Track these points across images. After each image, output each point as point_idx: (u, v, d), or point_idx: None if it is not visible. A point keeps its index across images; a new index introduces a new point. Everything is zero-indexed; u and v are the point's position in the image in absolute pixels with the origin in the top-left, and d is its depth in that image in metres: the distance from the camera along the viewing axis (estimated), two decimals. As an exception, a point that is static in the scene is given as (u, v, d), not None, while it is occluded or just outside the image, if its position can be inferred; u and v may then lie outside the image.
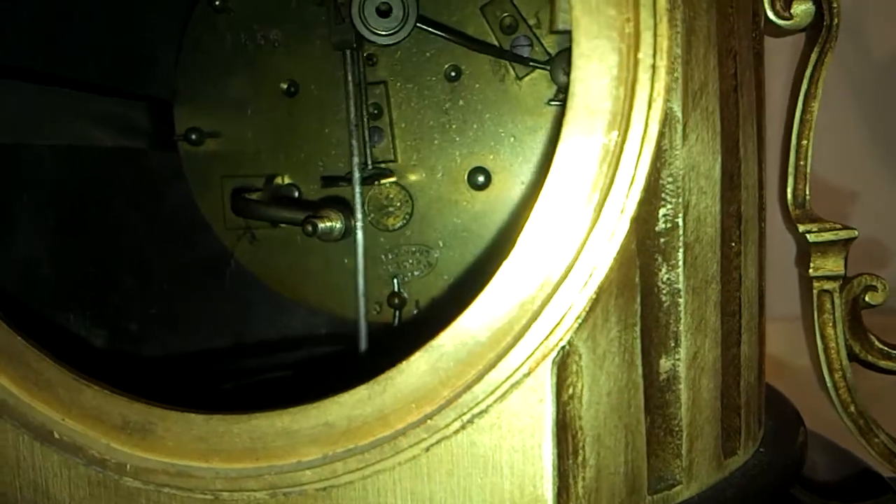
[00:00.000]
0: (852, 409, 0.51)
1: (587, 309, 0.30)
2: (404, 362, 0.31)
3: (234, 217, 0.59)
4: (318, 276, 0.61)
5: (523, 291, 0.30)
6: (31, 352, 0.34)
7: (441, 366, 0.31)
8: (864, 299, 0.51)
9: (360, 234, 0.49)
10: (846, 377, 0.51)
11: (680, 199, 0.34)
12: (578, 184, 0.29)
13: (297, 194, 0.60)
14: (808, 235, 0.50)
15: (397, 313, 0.60)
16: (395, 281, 0.60)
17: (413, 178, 0.59)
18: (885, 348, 0.51)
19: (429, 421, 0.31)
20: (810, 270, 0.50)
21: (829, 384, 0.51)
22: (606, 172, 0.29)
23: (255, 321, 0.69)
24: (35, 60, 0.51)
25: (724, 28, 0.37)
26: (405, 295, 0.60)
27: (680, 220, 0.34)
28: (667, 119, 0.31)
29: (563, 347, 0.31)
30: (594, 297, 0.30)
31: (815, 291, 0.50)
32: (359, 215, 0.50)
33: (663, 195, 0.34)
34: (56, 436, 0.34)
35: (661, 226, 0.34)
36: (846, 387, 0.51)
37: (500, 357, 0.30)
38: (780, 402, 0.51)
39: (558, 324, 0.30)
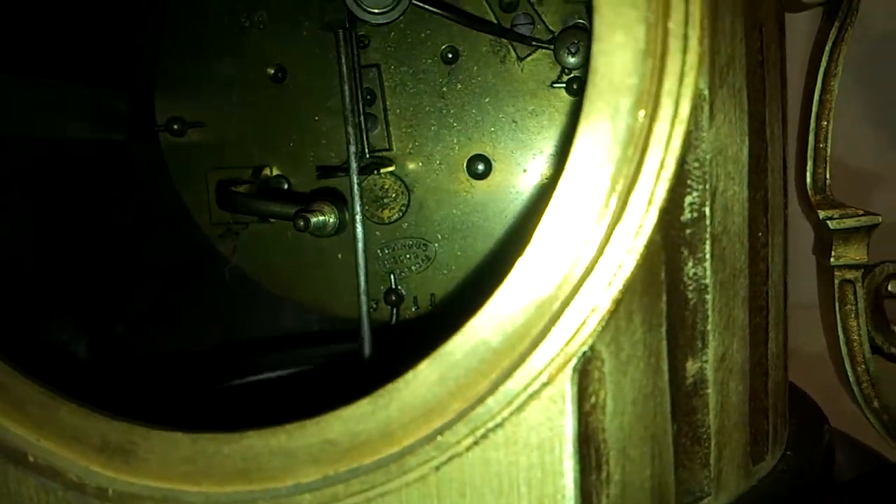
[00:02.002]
0: (876, 404, 0.49)
1: (611, 310, 0.27)
2: (410, 372, 0.28)
3: (221, 211, 0.56)
4: (312, 272, 0.58)
5: (540, 291, 0.27)
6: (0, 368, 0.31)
7: (451, 376, 0.28)
8: (886, 288, 0.48)
9: (359, 229, 0.46)
10: (869, 371, 0.49)
11: (707, 186, 0.31)
12: (601, 170, 0.26)
13: (286, 186, 0.57)
14: (829, 222, 0.47)
15: (395, 311, 0.57)
16: (392, 277, 0.57)
17: (409, 167, 0.56)
18: (910, 339, 0.48)
19: (438, 437, 0.28)
20: (832, 259, 0.48)
21: (851, 379, 0.49)
22: (633, 157, 0.26)
23: (246, 317, 0.66)
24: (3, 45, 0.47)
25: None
26: (403, 291, 0.57)
27: (707, 209, 0.31)
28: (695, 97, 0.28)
29: (584, 353, 0.28)
30: (618, 296, 0.27)
31: (836, 281, 0.48)
32: (357, 208, 0.46)
33: (689, 181, 0.31)
34: (31, 458, 0.31)
35: (686, 215, 0.31)
36: (869, 381, 0.49)
37: (515, 365, 0.28)
38: (800, 398, 0.49)
39: (580, 327, 0.27)
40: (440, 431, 0.28)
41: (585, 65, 0.33)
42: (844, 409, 0.50)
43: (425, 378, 0.28)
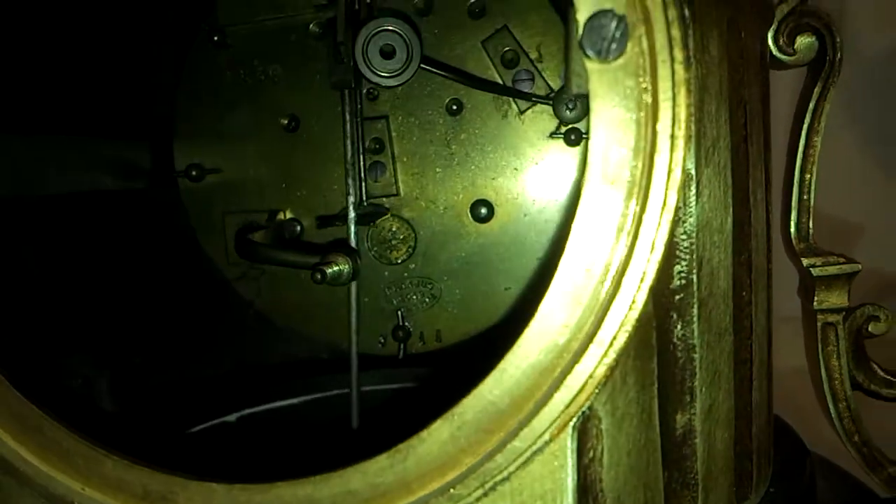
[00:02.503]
0: (856, 438, 0.52)
1: (607, 375, 0.30)
2: (425, 431, 0.31)
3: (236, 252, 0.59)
4: (323, 309, 0.61)
5: (544, 360, 0.30)
6: (48, 422, 0.34)
7: (462, 434, 0.31)
8: (866, 329, 0.51)
9: (353, 287, 0.49)
10: (850, 407, 0.51)
11: (694, 256, 0.34)
12: (597, 254, 0.29)
13: (299, 229, 0.60)
14: (812, 269, 0.50)
15: (402, 346, 0.61)
16: (399, 314, 0.60)
17: (416, 211, 0.59)
18: (888, 377, 0.51)
19: (451, 489, 0.31)
20: (815, 304, 0.50)
21: (833, 414, 0.52)
22: (626, 242, 0.29)
23: (258, 349, 0.69)
24: (30, 106, 0.50)
25: (734, 80, 0.37)
26: (410, 327, 0.61)
27: (694, 277, 0.34)
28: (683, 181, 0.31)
29: (583, 412, 0.31)
30: (613, 363, 0.30)
31: (819, 324, 0.51)
32: (355, 256, 0.49)
33: (678, 253, 0.34)
34: (76, 506, 0.34)
35: (675, 283, 0.34)
36: (850, 416, 0.52)
37: (521, 425, 0.31)
38: (786, 434, 0.52)
39: (579, 391, 0.30)
40: (453, 484, 0.31)
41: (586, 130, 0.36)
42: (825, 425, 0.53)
43: (439, 436, 0.31)
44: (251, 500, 0.33)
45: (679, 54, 0.29)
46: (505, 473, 0.31)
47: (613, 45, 0.28)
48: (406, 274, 0.60)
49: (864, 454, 0.51)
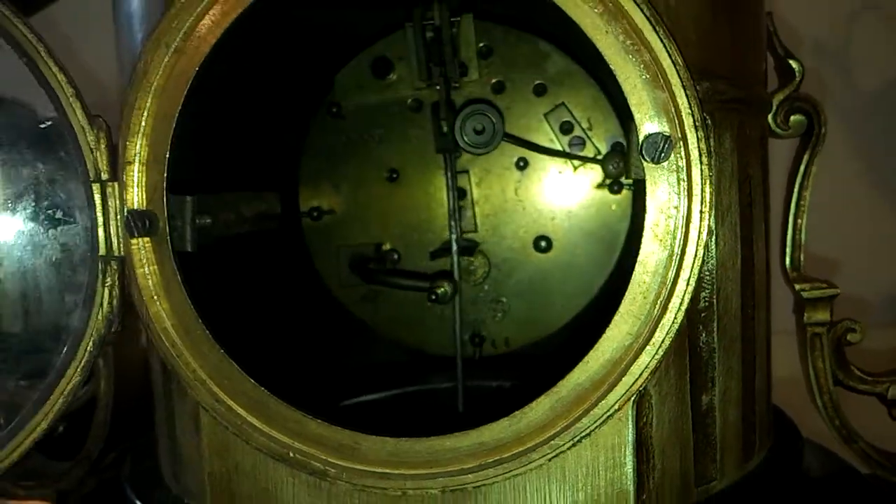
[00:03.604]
0: (837, 422, 0.66)
1: (656, 367, 0.46)
2: (534, 402, 0.47)
3: (349, 277, 0.75)
4: (414, 321, 0.77)
5: (614, 356, 0.46)
6: (268, 396, 0.50)
7: (559, 405, 0.47)
8: (846, 339, 0.66)
9: (457, 304, 0.65)
10: (832, 398, 0.66)
11: (714, 287, 0.50)
12: (651, 287, 0.45)
13: (397, 257, 0.76)
14: (802, 292, 0.65)
15: (478, 350, 0.76)
16: (476, 324, 0.76)
17: (490, 244, 0.75)
18: (863, 375, 0.66)
19: (551, 441, 0.47)
20: (805, 319, 0.66)
21: (819, 404, 0.67)
22: (670, 280, 0.45)
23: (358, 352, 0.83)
24: (209, 173, 0.66)
25: (742, 163, 0.52)
26: (484, 335, 0.76)
27: (714, 300, 0.50)
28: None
29: (640, 392, 0.46)
30: (660, 359, 0.46)
31: (808, 334, 0.66)
32: (455, 281, 0.65)
33: (703, 284, 0.50)
34: (290, 455, 0.49)
35: (701, 305, 0.50)
36: (832, 406, 0.66)
37: (599, 399, 0.46)
38: (784, 419, 0.67)
39: (638, 378, 0.46)
40: (552, 437, 0.47)
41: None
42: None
43: (542, 406, 0.47)
44: (412, 448, 0.48)
45: (706, 160, 0.44)
46: (588, 431, 0.46)
47: (662, 155, 0.44)
48: (481, 293, 0.76)
49: (843, 434, 0.66)
